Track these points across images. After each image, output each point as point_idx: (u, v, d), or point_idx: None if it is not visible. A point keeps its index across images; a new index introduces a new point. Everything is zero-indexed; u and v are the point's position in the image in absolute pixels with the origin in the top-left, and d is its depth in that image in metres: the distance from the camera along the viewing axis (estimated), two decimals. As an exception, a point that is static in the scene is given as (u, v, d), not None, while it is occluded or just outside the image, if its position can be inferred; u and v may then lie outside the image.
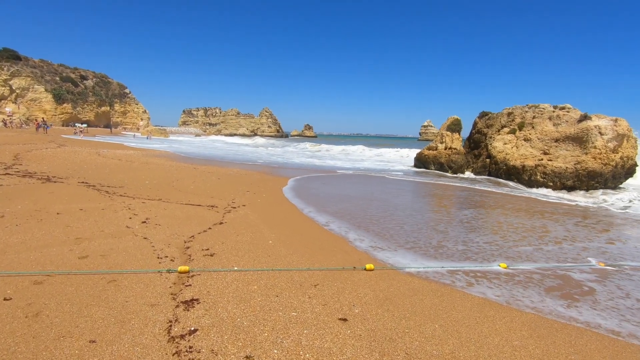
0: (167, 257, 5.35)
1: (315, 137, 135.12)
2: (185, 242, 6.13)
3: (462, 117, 30.71)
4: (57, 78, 77.66)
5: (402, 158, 38.55)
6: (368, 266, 5.58)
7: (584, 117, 23.05)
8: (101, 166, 16.67)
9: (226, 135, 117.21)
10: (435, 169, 28.83)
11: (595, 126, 21.87)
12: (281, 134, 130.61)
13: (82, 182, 11.91)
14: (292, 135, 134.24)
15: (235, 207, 9.61)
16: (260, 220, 8.24)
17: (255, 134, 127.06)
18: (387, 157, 39.57)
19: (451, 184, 19.68)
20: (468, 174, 26.93)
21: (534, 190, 19.84)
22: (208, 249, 5.85)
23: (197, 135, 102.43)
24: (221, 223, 7.74)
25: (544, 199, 15.84)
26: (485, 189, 18.22)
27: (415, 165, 31.46)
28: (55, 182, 11.70)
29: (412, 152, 36.96)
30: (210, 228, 7.24)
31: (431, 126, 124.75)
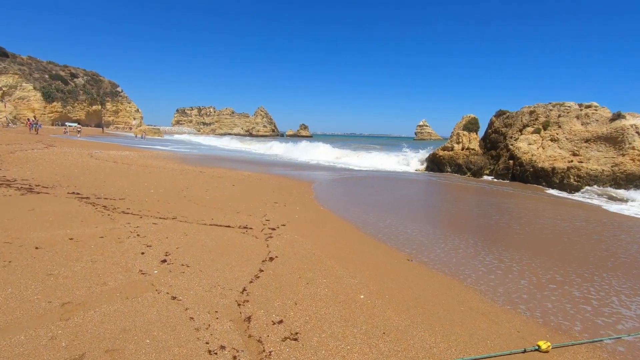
0: (223, 347, 3.00)
1: (311, 137, 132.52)
2: (239, 305, 3.78)
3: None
4: (46, 76, 73.70)
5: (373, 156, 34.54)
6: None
7: (617, 116, 21.26)
8: (95, 170, 14.11)
9: (221, 134, 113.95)
10: (452, 171, 26.81)
11: (631, 125, 20.07)
12: (276, 134, 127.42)
13: (73, 193, 9.42)
14: (287, 135, 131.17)
15: (274, 228, 7.26)
16: (321, 252, 5.91)
17: (250, 134, 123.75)
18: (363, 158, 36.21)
19: (503, 189, 17.59)
20: (487, 176, 25.03)
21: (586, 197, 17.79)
22: (281, 321, 3.52)
23: (197, 133, 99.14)
24: (271, 259, 5.40)
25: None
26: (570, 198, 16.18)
27: (428, 167, 29.39)
28: (38, 192, 9.18)
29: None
30: (261, 270, 4.89)
31: (426, 126, 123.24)
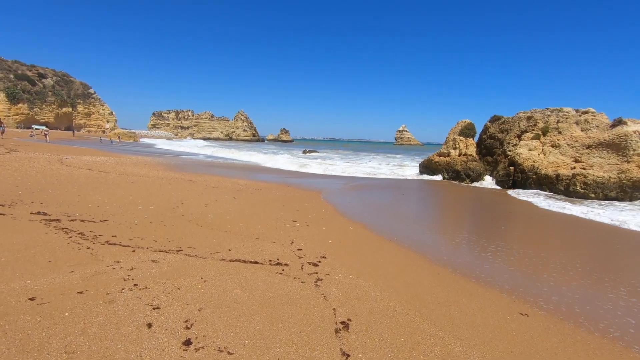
0: None
1: (292, 141, 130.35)
2: None
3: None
4: (11, 76, 68.16)
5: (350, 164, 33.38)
6: None
7: (619, 122, 20.79)
8: (66, 180, 11.73)
9: (199, 139, 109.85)
10: (449, 177, 25.71)
11: (634, 132, 19.55)
12: (257, 138, 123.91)
13: (38, 213, 7.21)
14: (268, 140, 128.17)
15: (315, 263, 5.43)
16: (402, 304, 4.14)
17: (230, 138, 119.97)
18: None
19: (543, 200, 16.36)
20: (487, 183, 24.09)
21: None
22: None
23: (169, 138, 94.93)
24: (345, 325, 3.58)
25: None
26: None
27: (422, 173, 28.30)
28: (-9, 214, 6.93)
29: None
30: (345, 354, 3.07)
31: (406, 131, 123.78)
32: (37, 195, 8.94)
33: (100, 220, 7.05)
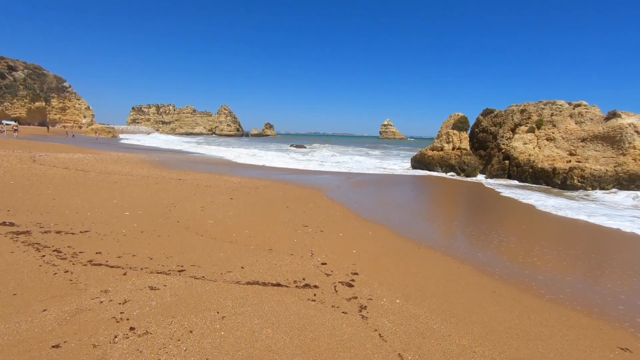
0: None
1: (276, 135, 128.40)
2: None
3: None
4: (-22, 67, 63.74)
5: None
6: None
7: (613, 115, 20.66)
8: (39, 181, 10.34)
9: (181, 134, 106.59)
10: (443, 172, 25.22)
11: (629, 124, 19.42)
12: (241, 133, 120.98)
13: (4, 224, 5.98)
14: (252, 134, 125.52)
15: (350, 283, 4.48)
16: (488, 346, 3.25)
17: (214, 133, 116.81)
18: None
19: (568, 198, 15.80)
20: (480, 177, 23.73)
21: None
22: None
23: (149, 133, 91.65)
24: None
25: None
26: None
27: (414, 167, 27.79)
28: (-58, 226, 5.65)
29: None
30: None
31: (391, 125, 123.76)
32: (3, 201, 7.62)
33: (81, 232, 5.88)
